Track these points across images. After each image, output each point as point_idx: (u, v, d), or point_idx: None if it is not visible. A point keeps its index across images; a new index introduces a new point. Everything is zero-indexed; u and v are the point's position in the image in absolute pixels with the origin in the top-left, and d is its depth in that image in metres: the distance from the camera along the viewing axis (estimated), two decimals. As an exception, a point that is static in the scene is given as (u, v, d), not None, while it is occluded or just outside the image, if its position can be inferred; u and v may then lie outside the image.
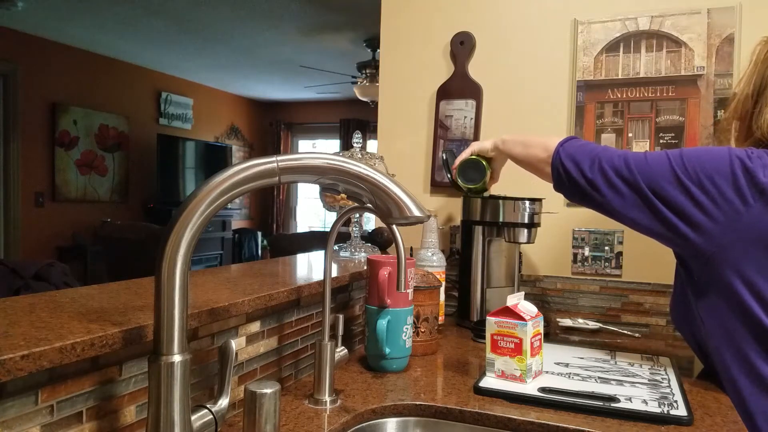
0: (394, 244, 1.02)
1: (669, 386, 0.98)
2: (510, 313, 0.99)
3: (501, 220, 1.38)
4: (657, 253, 1.47)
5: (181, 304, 0.58)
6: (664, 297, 1.46)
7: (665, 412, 0.86)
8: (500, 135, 1.26)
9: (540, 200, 1.40)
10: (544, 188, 1.56)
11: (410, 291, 1.09)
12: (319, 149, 6.17)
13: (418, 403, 0.90)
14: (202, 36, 5.03)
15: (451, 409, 0.89)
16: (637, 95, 1.50)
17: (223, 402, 0.65)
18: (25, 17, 4.58)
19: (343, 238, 1.69)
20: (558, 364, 1.10)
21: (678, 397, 0.93)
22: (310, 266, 1.24)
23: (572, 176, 1.02)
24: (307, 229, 8.24)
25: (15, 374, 0.51)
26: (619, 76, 1.51)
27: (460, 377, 1.03)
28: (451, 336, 1.35)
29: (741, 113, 1.01)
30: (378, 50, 2.04)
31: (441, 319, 1.36)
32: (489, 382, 0.97)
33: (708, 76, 1.44)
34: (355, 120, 7.69)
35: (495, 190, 1.53)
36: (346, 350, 0.95)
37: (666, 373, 1.06)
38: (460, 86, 1.67)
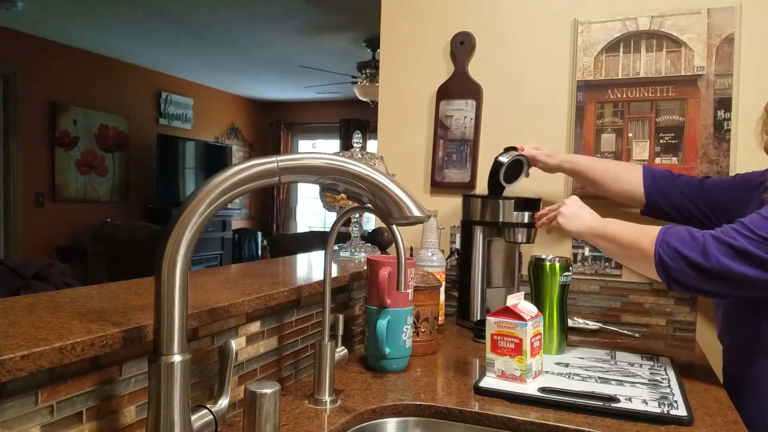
0: (394, 244, 1.02)
1: (669, 386, 0.98)
2: (510, 313, 0.99)
3: (501, 220, 1.38)
4: (657, 253, 1.47)
5: (181, 304, 0.58)
6: (664, 297, 1.46)
7: (665, 412, 0.86)
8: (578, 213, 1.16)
9: (540, 200, 1.40)
10: (543, 188, 1.56)
11: (410, 291, 1.09)
12: (319, 149, 6.17)
13: (418, 403, 0.90)
14: (202, 36, 5.03)
15: (451, 409, 0.89)
16: (637, 95, 1.50)
17: (223, 402, 0.65)
18: (25, 17, 4.58)
19: (343, 238, 1.69)
20: (558, 364, 1.10)
21: (678, 397, 0.93)
22: (310, 266, 1.24)
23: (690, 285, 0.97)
24: (307, 229, 8.24)
25: (15, 374, 0.51)
26: (619, 76, 1.51)
27: (460, 377, 1.03)
28: (451, 336, 1.35)
29: None
30: (378, 50, 2.04)
31: (441, 319, 1.36)
32: (489, 382, 0.97)
33: (708, 76, 1.44)
34: (355, 120, 7.68)
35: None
36: (346, 350, 0.95)
37: (666, 373, 1.06)
38: (460, 86, 1.67)
